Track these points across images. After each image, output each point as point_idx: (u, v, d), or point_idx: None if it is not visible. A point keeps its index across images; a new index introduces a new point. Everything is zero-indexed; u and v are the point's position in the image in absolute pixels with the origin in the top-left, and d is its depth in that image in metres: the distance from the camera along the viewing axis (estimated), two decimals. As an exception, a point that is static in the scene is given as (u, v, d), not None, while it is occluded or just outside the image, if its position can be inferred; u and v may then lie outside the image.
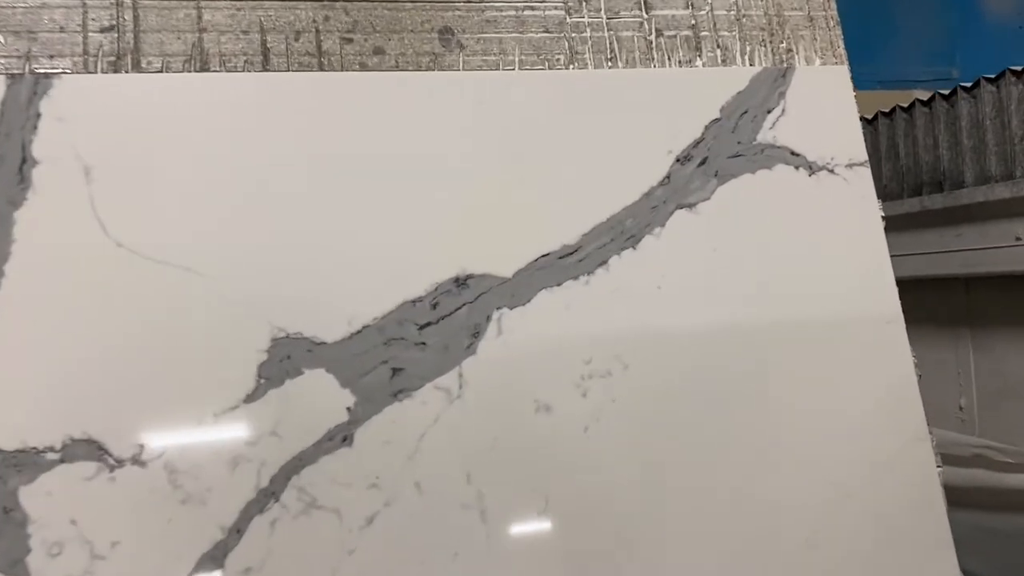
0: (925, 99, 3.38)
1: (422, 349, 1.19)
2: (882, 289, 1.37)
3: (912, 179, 3.40)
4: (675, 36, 1.45)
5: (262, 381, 1.14)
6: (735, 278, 1.31)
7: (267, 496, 1.10)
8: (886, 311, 1.36)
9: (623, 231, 1.29)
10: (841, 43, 1.49)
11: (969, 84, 3.15)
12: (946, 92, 3.26)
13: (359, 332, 1.18)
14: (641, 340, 1.25)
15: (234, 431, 1.11)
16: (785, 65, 1.46)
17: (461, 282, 1.22)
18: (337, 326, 1.17)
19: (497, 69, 1.36)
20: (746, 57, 1.46)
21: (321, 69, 1.29)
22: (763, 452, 1.26)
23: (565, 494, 1.18)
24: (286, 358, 1.15)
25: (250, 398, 1.13)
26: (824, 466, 1.27)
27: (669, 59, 1.43)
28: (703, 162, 1.35)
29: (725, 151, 1.37)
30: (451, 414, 1.18)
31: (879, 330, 1.35)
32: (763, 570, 1.21)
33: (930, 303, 3.28)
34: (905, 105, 3.49)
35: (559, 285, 1.25)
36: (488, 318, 1.22)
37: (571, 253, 1.27)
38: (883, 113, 3.63)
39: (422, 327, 1.20)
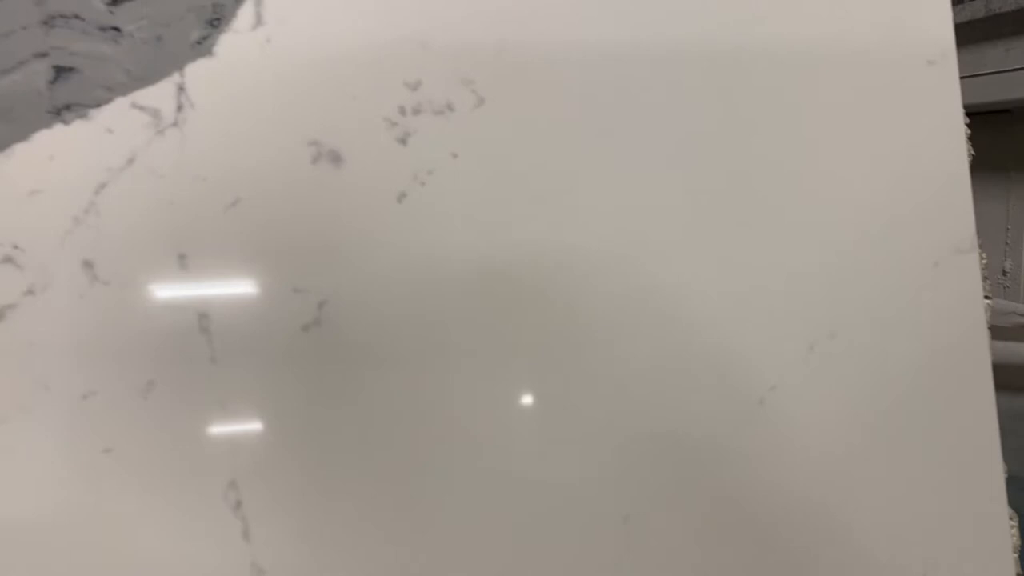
0: None
1: (113, 38, 0.68)
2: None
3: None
4: None
5: None
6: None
7: None
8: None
9: None
10: None
11: None
12: None
13: (-4, -2, 0.67)
14: (510, 57, 0.73)
15: None
16: None
17: (194, -72, 0.69)
18: (-44, -16, 0.66)
19: None
20: None
21: None
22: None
23: (353, 296, 0.70)
24: None
25: None
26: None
27: None
28: None
29: None
30: (158, 152, 0.68)
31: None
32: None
33: (977, 143, 2.67)
34: None
35: (374, -50, 0.72)
36: (239, -5, 0.70)
37: (400, -103, 0.72)
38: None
39: (115, 1, 0.68)
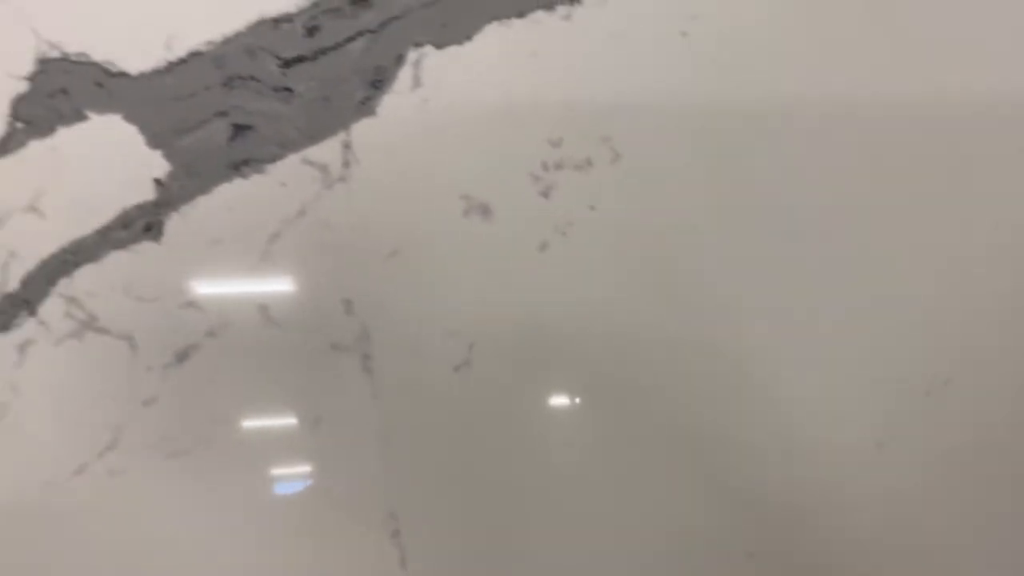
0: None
1: (286, 99, 0.74)
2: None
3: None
4: None
5: (19, 126, 0.70)
6: (828, 29, 0.81)
7: (16, 305, 0.70)
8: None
9: (635, -61, 0.80)
10: None
11: None
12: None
13: (183, 62, 0.72)
14: (646, 115, 0.78)
15: (-37, 199, 0.69)
16: None
17: (359, -4, 0.75)
18: (148, 49, 0.72)
19: None
20: None
21: None
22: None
23: (499, 339, 0.76)
24: (60, 92, 0.71)
25: (-6, 150, 0.70)
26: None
27: None
28: None
29: None
30: (327, 204, 0.74)
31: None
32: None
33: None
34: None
35: (521, 16, 0.77)
36: (400, 58, 0.76)
37: (545, -34, 0.78)
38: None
39: (288, 64, 0.74)
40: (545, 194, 0.77)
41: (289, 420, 0.72)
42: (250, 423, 0.72)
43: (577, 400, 0.77)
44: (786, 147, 0.80)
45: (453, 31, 0.76)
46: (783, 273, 0.80)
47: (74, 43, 0.71)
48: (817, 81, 0.81)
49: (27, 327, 0.69)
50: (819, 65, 0.81)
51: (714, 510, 0.79)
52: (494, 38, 0.77)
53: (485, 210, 0.76)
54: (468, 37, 0.77)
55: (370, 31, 0.75)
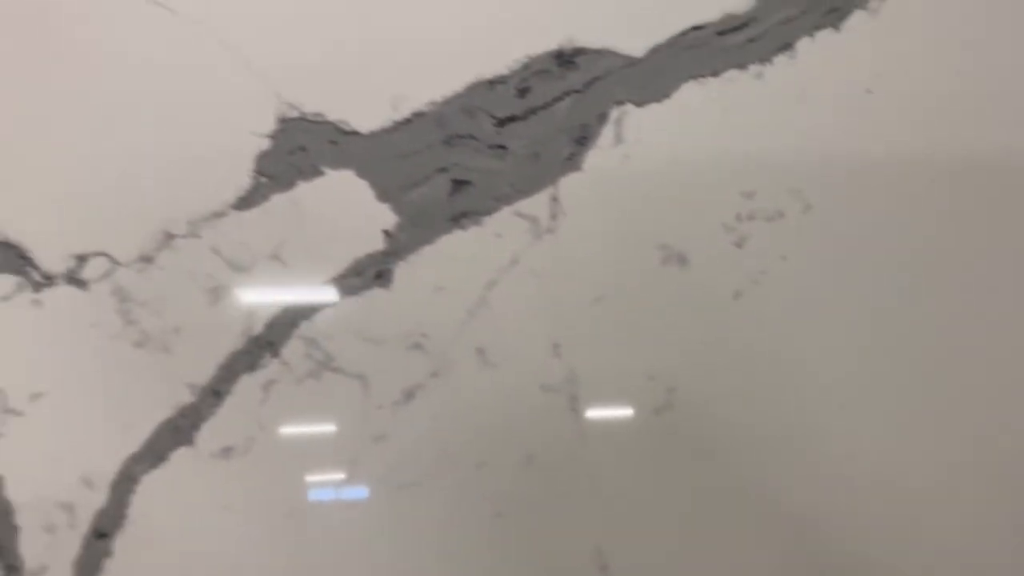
0: None
1: (500, 156, 0.79)
2: None
3: None
4: None
5: (262, 180, 0.77)
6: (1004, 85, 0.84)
7: (261, 347, 0.76)
8: None
9: None
10: None
11: None
12: None
13: (407, 121, 0.78)
14: (834, 168, 0.82)
15: (218, 249, 0.75)
16: None
17: (566, 58, 0.80)
18: (376, 109, 0.78)
19: None
20: None
21: None
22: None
23: (696, 383, 0.79)
24: (299, 150, 0.77)
25: (243, 203, 0.76)
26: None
27: None
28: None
29: None
30: (537, 254, 0.79)
31: None
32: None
33: None
34: None
35: (715, 75, 0.81)
36: (603, 116, 0.80)
37: (738, 28, 0.82)
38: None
39: (502, 122, 0.79)
40: (739, 244, 0.81)
41: (505, 457, 0.77)
42: (471, 458, 0.77)
43: (771, 441, 0.80)
44: (967, 200, 0.83)
45: (652, 90, 0.81)
46: (981, 317, 0.82)
47: (311, 104, 0.77)
48: (1001, 136, 0.83)
49: (271, 367, 0.75)
50: (1003, 120, 0.83)
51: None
52: (690, 96, 0.81)
53: (682, 259, 0.80)
54: (666, 95, 0.81)
55: (576, 91, 0.80)
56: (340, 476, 0.75)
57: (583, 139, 0.80)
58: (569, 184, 0.80)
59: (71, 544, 0.72)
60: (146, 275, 0.74)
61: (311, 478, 0.75)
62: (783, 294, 0.81)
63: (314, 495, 0.75)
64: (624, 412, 0.79)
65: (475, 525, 0.77)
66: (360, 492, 0.75)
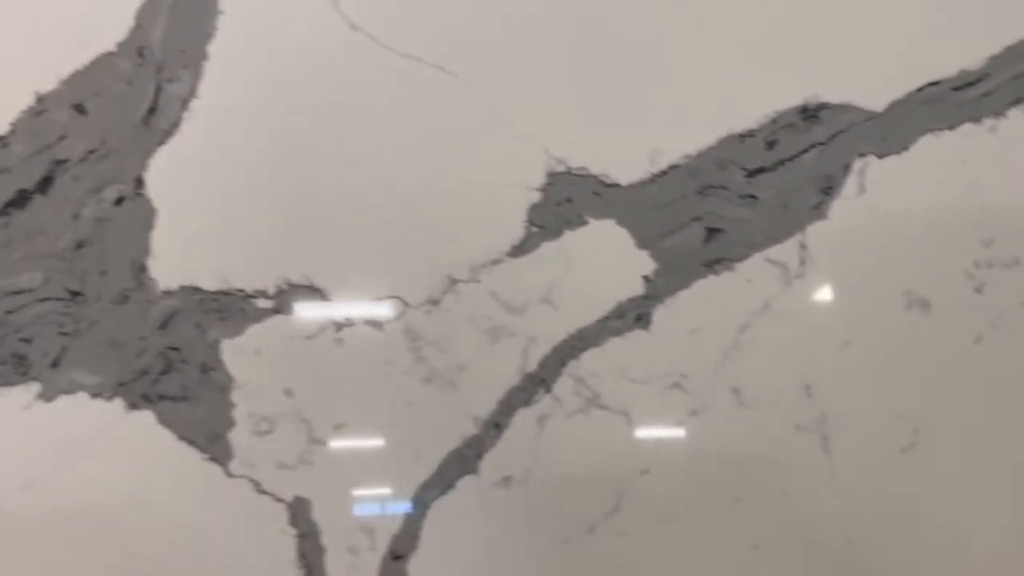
0: None
1: (750, 205, 0.84)
2: None
3: None
4: None
5: (534, 230, 0.83)
6: None
7: (535, 384, 0.81)
8: None
9: (1053, 55, 0.87)
10: None
11: None
12: None
13: (664, 173, 0.84)
14: (1071, 218, 0.85)
15: (496, 293, 0.81)
16: None
17: (810, 113, 0.85)
18: (635, 163, 0.83)
19: None
20: None
21: None
22: None
23: (940, 423, 0.82)
24: (565, 201, 0.83)
25: (517, 250, 0.82)
26: None
27: None
28: None
29: None
30: (787, 299, 0.83)
31: None
32: None
33: None
34: None
35: (952, 128, 0.85)
36: (846, 167, 0.85)
37: (973, 83, 0.86)
38: None
39: (752, 174, 0.84)
40: (979, 290, 0.84)
41: (761, 492, 0.81)
42: (730, 494, 0.81)
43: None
44: None
45: (892, 142, 0.85)
46: None
47: (576, 159, 0.83)
48: None
49: (544, 403, 0.81)
50: None
51: None
52: (928, 148, 0.85)
53: (924, 304, 0.84)
54: (905, 148, 0.85)
55: (820, 143, 0.85)
56: (608, 507, 0.80)
57: (828, 189, 0.85)
58: (816, 232, 0.84)
59: (371, 565, 0.78)
60: (433, 316, 0.81)
61: (582, 508, 0.80)
62: (1021, 339, 0.84)
63: (584, 523, 0.80)
64: (872, 451, 0.82)
65: (731, 557, 0.81)
66: (627, 522, 0.80)
